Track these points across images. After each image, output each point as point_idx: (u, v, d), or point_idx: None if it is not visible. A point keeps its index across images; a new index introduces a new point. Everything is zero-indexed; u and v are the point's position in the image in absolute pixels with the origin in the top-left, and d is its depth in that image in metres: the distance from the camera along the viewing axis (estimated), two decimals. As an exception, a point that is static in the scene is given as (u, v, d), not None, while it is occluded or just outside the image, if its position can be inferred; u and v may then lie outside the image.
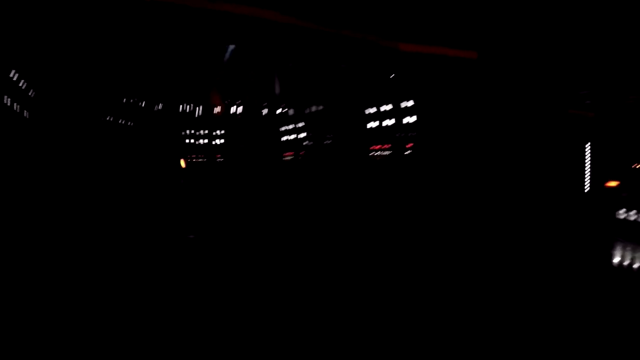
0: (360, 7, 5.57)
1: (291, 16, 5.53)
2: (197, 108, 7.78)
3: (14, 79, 4.89)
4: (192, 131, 7.78)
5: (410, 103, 6.37)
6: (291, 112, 8.00)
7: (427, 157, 6.46)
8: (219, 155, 7.90)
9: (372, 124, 6.91)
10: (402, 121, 6.57)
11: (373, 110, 6.80)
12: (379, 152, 6.94)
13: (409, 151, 6.62)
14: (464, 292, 4.48)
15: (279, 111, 8.01)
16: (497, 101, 5.94)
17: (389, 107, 6.58)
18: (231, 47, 7.31)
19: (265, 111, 8.05)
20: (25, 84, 5.15)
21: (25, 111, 5.31)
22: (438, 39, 5.77)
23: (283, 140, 7.82)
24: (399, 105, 6.49)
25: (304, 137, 7.73)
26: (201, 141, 7.85)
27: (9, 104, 4.83)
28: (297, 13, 5.44)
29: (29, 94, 5.37)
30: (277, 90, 8.02)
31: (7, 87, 4.82)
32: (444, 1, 5.16)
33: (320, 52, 6.04)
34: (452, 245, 5.96)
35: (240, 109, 7.92)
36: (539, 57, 5.70)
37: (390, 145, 6.78)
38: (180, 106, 7.77)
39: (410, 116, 6.46)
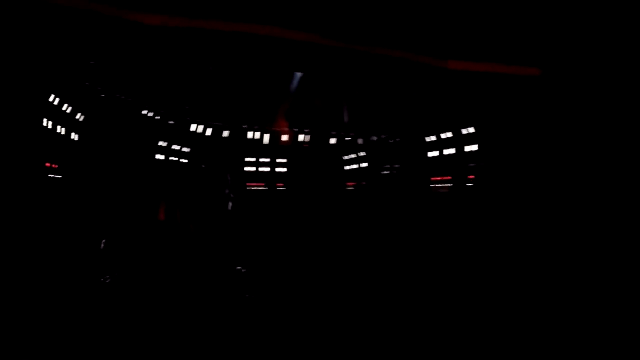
0: (405, 26, 5.27)
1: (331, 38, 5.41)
2: (263, 136, 7.81)
3: (55, 102, 5.09)
4: (255, 159, 7.80)
5: (470, 129, 5.83)
6: (359, 140, 7.76)
7: (492, 190, 5.83)
8: (280, 184, 7.81)
9: (433, 153, 6.42)
10: (463, 149, 6.03)
11: (433, 138, 6.33)
12: (439, 185, 6.41)
13: (470, 183, 6.03)
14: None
15: (345, 139, 7.81)
16: (566, 125, 5.20)
17: (448, 134, 6.08)
18: (298, 74, 7.31)
19: (332, 140, 7.88)
20: (70, 107, 5.37)
21: (73, 134, 5.54)
22: (493, 56, 5.24)
23: (346, 170, 7.55)
24: (460, 132, 5.97)
25: (366, 167, 7.41)
26: (263, 169, 7.84)
27: (50, 127, 5.03)
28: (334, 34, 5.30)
29: (77, 117, 5.60)
30: (346, 118, 7.85)
31: (47, 111, 5.02)
32: (498, 13, 4.67)
33: (362, 74, 5.81)
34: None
35: (306, 137, 7.83)
36: (607, 70, 4.93)
37: (450, 177, 6.24)
38: (247, 134, 7.86)
39: (471, 144, 5.90)
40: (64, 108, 5.35)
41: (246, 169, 8.66)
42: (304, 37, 5.48)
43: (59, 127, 5.24)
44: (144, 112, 7.57)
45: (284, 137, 8.70)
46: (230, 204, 8.31)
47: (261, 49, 5.80)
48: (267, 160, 8.70)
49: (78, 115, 5.83)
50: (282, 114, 8.49)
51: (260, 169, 8.70)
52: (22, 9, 4.57)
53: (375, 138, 8.28)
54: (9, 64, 4.79)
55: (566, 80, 5.25)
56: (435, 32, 5.15)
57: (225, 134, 8.46)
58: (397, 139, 7.80)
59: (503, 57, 5.38)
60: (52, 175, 5.23)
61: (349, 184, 8.87)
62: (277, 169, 8.76)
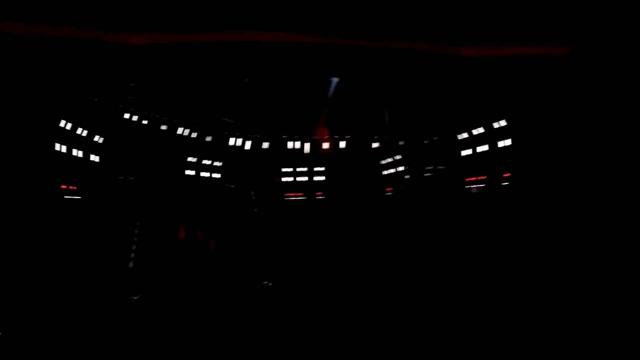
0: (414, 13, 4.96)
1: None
2: (304, 145, 7.70)
3: (67, 127, 5.19)
4: (293, 169, 7.67)
5: (502, 122, 5.30)
6: (400, 142, 7.41)
7: (528, 188, 5.25)
8: (319, 193, 7.62)
9: (466, 152, 5.92)
10: (496, 145, 5.49)
11: (465, 135, 5.85)
12: (474, 185, 5.89)
13: (505, 182, 5.47)
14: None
15: (387, 143, 7.49)
16: (607, 109, 4.50)
17: (479, 130, 5.58)
18: (335, 80, 7.20)
19: (374, 144, 7.62)
20: (86, 131, 5.46)
21: (92, 155, 5.65)
22: (518, 38, 4.71)
23: (385, 174, 7.20)
24: (491, 127, 5.45)
25: (403, 170, 7.02)
26: (301, 178, 7.68)
27: (64, 150, 5.15)
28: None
29: (95, 139, 5.70)
30: (387, 119, 7.57)
31: (59, 136, 5.13)
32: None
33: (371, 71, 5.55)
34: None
35: (347, 144, 7.62)
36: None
37: (485, 177, 5.70)
38: (288, 144, 7.80)
39: (504, 139, 5.36)
40: (89, 131, 5.55)
41: (284, 179, 8.51)
42: (337, 41, 5.35)
43: (85, 152, 5.45)
44: (180, 130, 7.67)
45: (325, 145, 8.47)
46: (254, 219, 8.06)
47: (295, 56, 5.71)
48: (305, 169, 8.49)
49: (109, 138, 6.01)
50: (322, 122, 8.28)
51: (298, 178, 8.50)
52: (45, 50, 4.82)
53: (419, 138, 7.73)
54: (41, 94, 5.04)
55: (597, 56, 4.57)
56: (455, 20, 4.79)
57: (265, 145, 8.42)
58: (437, 137, 7.22)
59: (530, 39, 4.84)
60: (75, 197, 5.41)
61: (387, 189, 8.41)
62: (316, 178, 8.52)
